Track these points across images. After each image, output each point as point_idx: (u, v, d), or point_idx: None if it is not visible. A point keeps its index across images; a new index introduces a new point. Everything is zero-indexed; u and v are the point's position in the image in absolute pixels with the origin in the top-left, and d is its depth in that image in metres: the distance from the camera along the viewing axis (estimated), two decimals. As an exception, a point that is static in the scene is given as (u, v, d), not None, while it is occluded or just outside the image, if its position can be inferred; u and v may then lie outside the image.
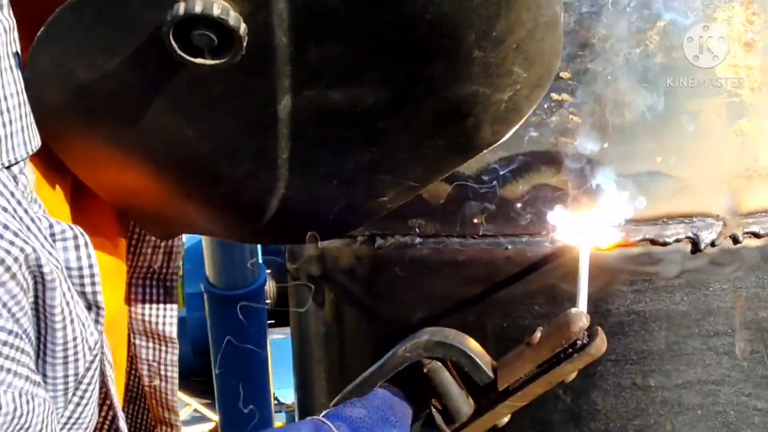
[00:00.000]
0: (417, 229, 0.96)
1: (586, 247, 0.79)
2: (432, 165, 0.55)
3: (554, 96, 0.88)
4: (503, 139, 0.54)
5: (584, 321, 0.67)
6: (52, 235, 0.42)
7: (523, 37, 0.44)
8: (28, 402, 0.38)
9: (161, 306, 0.62)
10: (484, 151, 0.56)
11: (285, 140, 0.45)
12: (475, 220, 0.93)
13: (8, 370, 0.38)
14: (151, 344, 0.62)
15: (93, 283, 0.44)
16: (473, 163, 0.93)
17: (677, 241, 0.89)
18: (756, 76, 0.90)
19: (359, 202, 0.56)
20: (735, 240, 0.90)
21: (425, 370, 0.68)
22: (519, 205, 0.90)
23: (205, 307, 3.46)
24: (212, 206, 0.52)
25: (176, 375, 0.63)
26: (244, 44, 0.38)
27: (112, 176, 0.49)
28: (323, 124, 0.45)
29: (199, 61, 0.38)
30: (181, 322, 6.27)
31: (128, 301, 0.63)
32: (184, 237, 0.66)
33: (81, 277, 0.44)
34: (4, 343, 0.38)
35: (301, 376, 1.27)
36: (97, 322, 0.45)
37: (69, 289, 0.42)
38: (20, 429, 0.38)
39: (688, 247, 0.89)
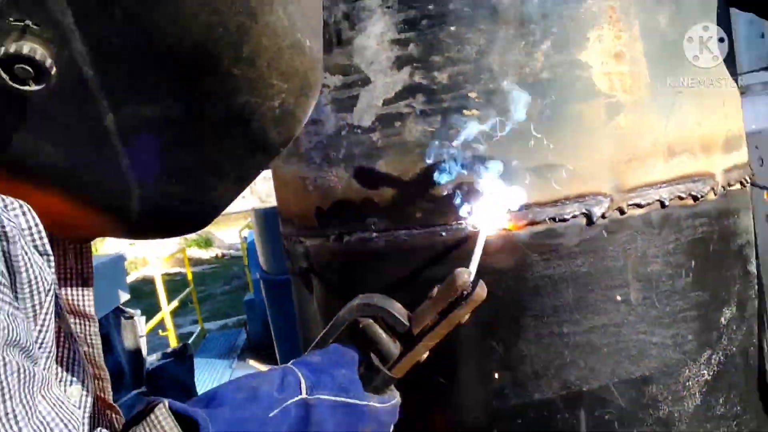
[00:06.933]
0: (373, 226, 1.21)
1: (483, 227, 1.02)
2: (242, 163, 0.63)
3: (465, 112, 1.12)
4: (292, 137, 0.65)
5: (466, 276, 0.85)
6: (5, 206, 0.53)
7: (272, 57, 0.55)
8: (14, 320, 0.49)
9: (81, 290, 0.70)
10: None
11: (121, 150, 0.55)
12: (417, 215, 1.18)
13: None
14: (77, 320, 0.71)
15: (41, 237, 0.55)
16: (409, 169, 1.17)
17: (574, 217, 1.11)
18: (626, 80, 1.13)
19: (199, 196, 0.63)
20: (621, 211, 1.12)
21: (361, 326, 0.87)
22: (446, 200, 1.14)
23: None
24: (87, 210, 0.59)
25: (99, 342, 0.72)
26: (53, 73, 0.49)
27: (4, 190, 0.56)
28: (146, 134, 0.55)
29: (25, 88, 0.49)
30: (251, 303, 7.78)
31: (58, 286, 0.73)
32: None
33: (31, 234, 0.54)
34: None
35: (305, 348, 1.53)
36: (49, 265, 0.55)
37: (26, 244, 0.53)
38: (11, 339, 0.48)
39: (584, 220, 1.12)
